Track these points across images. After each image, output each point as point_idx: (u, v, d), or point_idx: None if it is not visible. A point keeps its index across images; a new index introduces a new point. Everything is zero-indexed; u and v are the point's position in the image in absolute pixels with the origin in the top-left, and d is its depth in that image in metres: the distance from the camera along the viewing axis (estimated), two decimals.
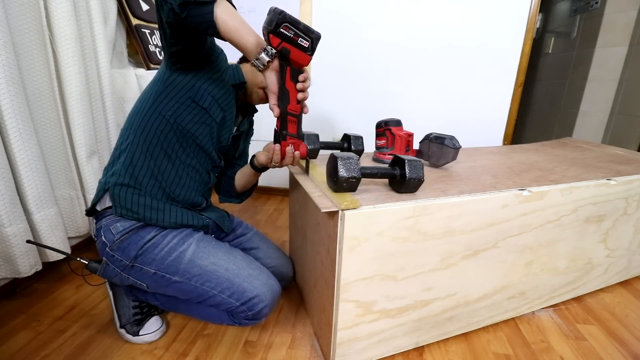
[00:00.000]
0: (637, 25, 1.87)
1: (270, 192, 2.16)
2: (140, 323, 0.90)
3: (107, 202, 0.82)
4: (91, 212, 0.84)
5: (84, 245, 1.31)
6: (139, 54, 1.52)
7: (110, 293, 0.94)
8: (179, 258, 0.80)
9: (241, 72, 0.90)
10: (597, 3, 2.06)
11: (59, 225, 1.08)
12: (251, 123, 1.07)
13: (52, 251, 1.05)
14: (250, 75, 0.92)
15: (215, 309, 0.86)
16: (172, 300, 0.91)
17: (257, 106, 1.03)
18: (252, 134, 1.10)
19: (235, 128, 0.97)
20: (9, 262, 0.96)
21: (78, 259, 0.86)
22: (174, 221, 0.83)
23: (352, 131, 1.11)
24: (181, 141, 0.81)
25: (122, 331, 0.90)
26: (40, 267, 1.04)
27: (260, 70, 0.70)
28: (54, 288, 1.11)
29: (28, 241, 0.92)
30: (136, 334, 0.89)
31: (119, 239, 0.78)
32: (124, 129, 0.85)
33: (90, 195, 1.19)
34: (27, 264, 0.99)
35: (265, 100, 0.95)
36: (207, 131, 0.83)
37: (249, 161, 0.98)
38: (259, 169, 0.95)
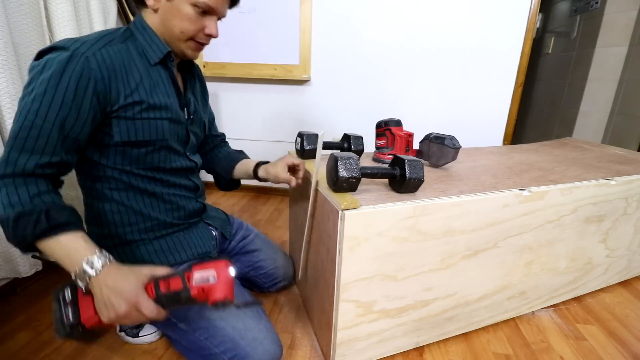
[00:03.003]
0: (637, 25, 1.87)
1: (270, 192, 2.16)
2: (140, 325, 0.90)
3: None
4: None
5: None
6: None
7: None
8: None
9: (154, 36, 0.69)
10: (597, 3, 2.06)
11: None
12: (200, 79, 0.90)
13: None
14: (159, 25, 0.69)
15: None
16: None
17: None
18: (207, 95, 0.94)
19: (187, 114, 0.80)
20: (9, 262, 0.96)
21: None
22: (179, 260, 0.80)
23: (352, 131, 1.11)
24: (159, 196, 0.77)
25: (122, 334, 0.90)
26: (40, 267, 1.04)
27: None
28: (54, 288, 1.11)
29: (33, 256, 0.91)
30: (136, 335, 0.89)
31: None
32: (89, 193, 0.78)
33: None
34: (27, 264, 0.99)
35: (199, 46, 0.74)
36: (182, 164, 0.79)
37: (252, 169, 0.92)
38: (261, 179, 0.91)
